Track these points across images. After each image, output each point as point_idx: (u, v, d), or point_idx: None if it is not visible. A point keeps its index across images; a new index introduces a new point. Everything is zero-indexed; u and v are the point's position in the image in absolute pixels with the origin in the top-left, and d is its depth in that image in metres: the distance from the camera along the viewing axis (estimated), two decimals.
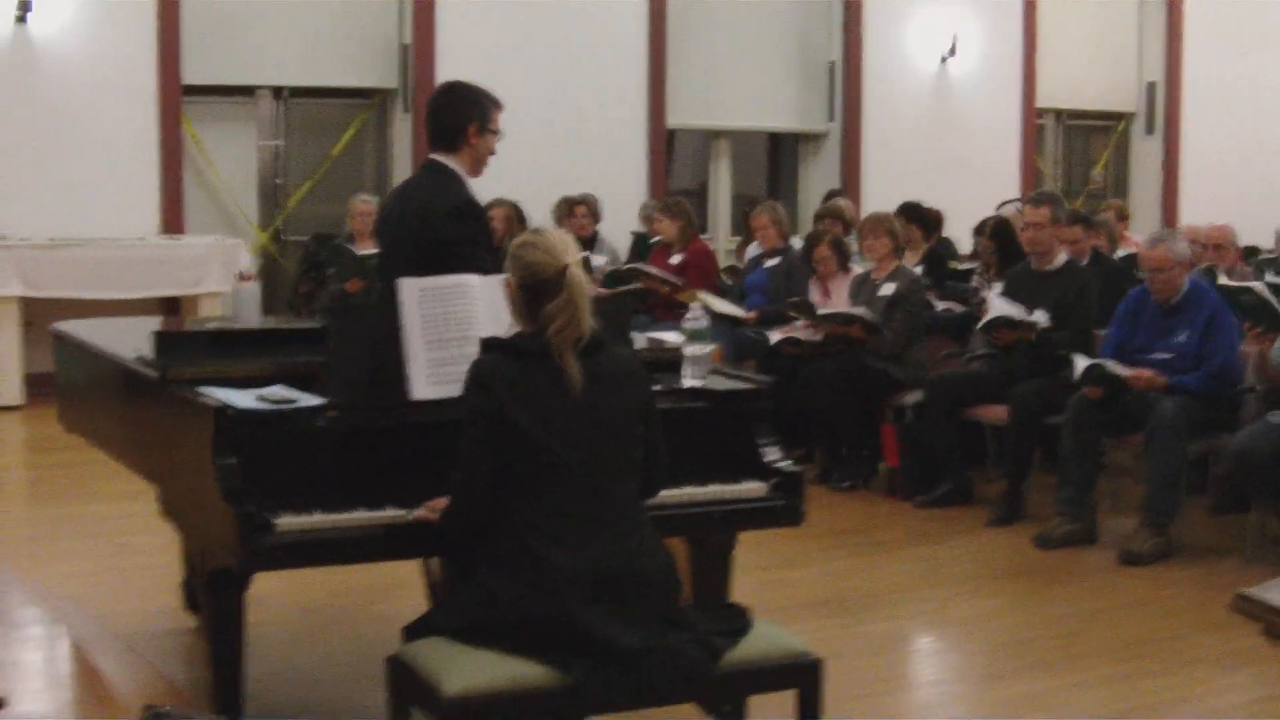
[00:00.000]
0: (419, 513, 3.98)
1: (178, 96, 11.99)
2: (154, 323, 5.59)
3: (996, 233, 9.51)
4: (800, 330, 8.83)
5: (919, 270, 9.65)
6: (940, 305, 9.68)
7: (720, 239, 14.47)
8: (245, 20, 12.35)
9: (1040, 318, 7.81)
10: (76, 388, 5.59)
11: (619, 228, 12.69)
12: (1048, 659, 5.65)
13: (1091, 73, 16.43)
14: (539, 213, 11.49)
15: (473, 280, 4.35)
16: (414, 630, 3.87)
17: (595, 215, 12.15)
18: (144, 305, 11.03)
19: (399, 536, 4.02)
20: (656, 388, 4.24)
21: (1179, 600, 6.45)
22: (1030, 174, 15.64)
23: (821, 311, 8.79)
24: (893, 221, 9.16)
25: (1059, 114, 16.58)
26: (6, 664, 5.38)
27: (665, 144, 13.99)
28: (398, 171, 12.86)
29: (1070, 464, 7.35)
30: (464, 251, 4.84)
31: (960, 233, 12.00)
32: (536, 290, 3.83)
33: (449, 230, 4.98)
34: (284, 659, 5.46)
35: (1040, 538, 7.30)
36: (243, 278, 11.61)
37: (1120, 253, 10.71)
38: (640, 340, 4.99)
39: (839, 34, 14.73)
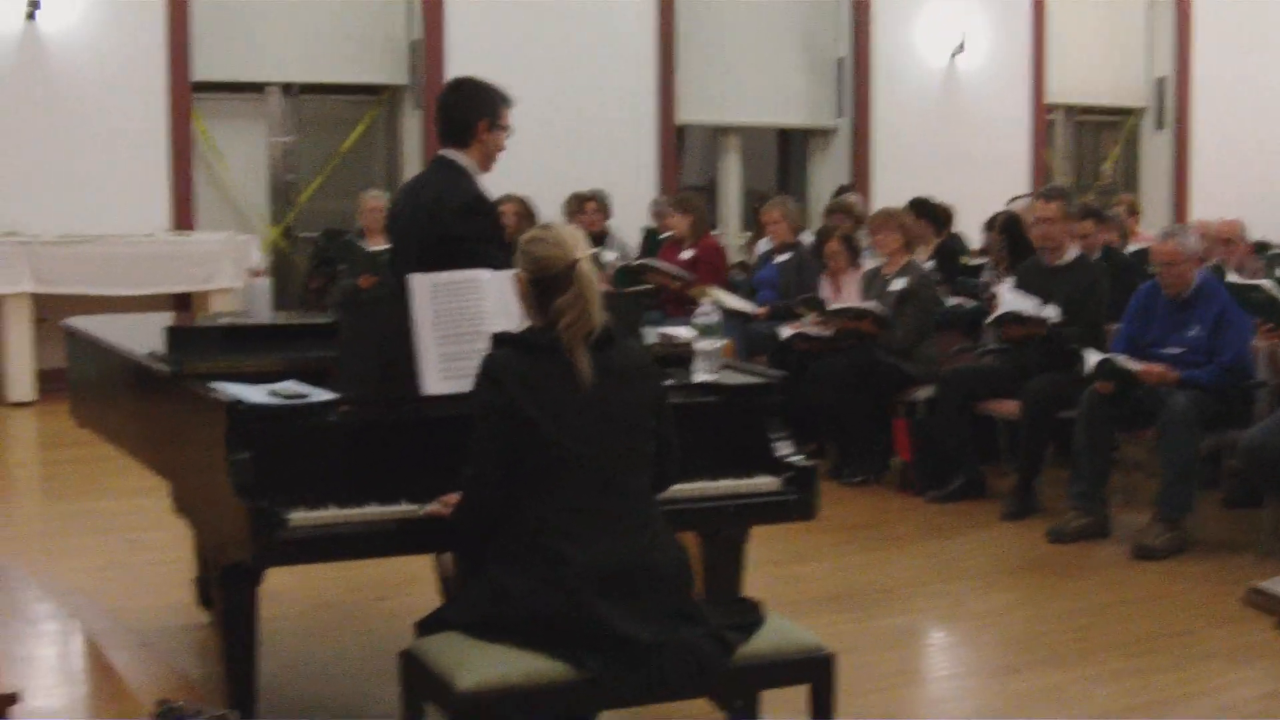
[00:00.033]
0: (431, 508, 3.98)
1: (188, 93, 12.01)
2: (165, 318, 5.60)
3: (1006, 228, 9.50)
4: (811, 325, 8.83)
5: (930, 265, 9.64)
6: (951, 300, 9.67)
7: (730, 234, 14.46)
8: (255, 17, 12.37)
9: (1051, 313, 7.79)
10: (88, 383, 5.60)
11: (629, 223, 12.68)
12: (1060, 653, 5.64)
13: (1101, 68, 16.40)
14: (549, 209, 11.49)
15: (484, 275, 4.35)
16: (427, 625, 3.87)
17: (605, 211, 12.15)
18: (155, 301, 11.03)
19: (411, 531, 4.02)
20: (668, 382, 4.24)
21: (1192, 595, 6.44)
22: (1040, 169, 15.62)
23: (832, 307, 8.80)
24: (903, 216, 9.15)
25: (1069, 109, 16.55)
26: (20, 659, 5.39)
27: (675, 140, 13.98)
28: (407, 168, 12.86)
29: (1083, 458, 7.35)
30: (475, 247, 4.84)
31: (970, 228, 11.98)
32: (546, 285, 3.83)
33: (459, 226, 4.98)
34: (297, 654, 5.46)
35: (1053, 532, 7.30)
36: (254, 273, 11.61)
37: (1131, 248, 10.69)
38: (651, 335, 4.98)
39: (848, 30, 14.72)
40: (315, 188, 12.99)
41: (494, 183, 5.27)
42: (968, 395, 8.09)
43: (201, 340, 4.70)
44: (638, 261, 10.91)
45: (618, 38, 13.51)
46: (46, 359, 10.70)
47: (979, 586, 6.70)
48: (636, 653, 3.65)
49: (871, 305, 8.61)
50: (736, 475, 4.42)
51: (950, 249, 10.84)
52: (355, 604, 6.08)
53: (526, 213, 10.74)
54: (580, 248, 3.86)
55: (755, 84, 14.50)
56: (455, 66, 11.99)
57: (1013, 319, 7.90)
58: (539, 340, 3.82)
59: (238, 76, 12.50)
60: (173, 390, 4.40)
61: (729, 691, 4.26)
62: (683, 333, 4.94)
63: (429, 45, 12.76)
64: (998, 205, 11.30)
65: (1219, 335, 7.23)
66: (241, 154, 12.67)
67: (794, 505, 4.44)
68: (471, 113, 5.14)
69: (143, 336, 4.88)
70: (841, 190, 13.32)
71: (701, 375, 4.58)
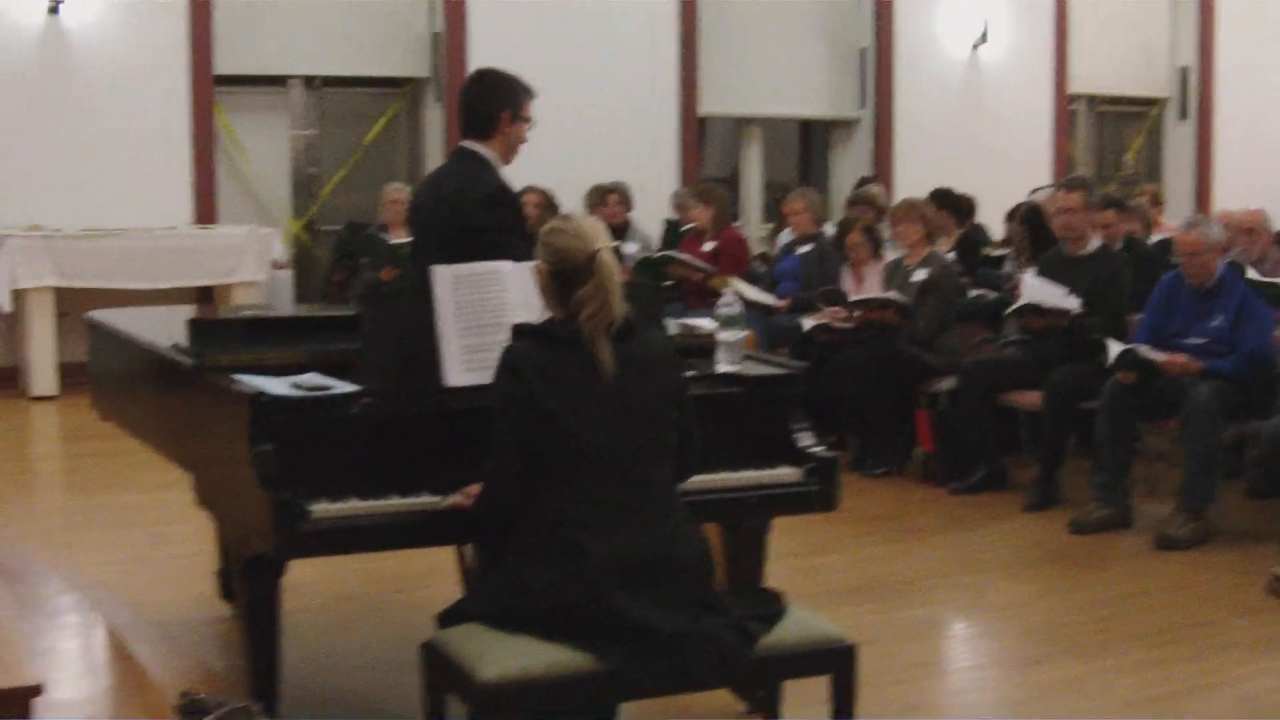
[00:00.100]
0: (453, 499, 3.98)
1: (210, 87, 12.03)
2: (188, 312, 5.60)
3: (1028, 219, 9.47)
4: (833, 318, 8.82)
5: (951, 257, 9.63)
6: (973, 291, 9.65)
7: (752, 226, 14.44)
8: (277, 10, 12.38)
9: (1072, 303, 7.77)
10: (111, 376, 5.61)
11: (650, 215, 12.66)
12: (1082, 644, 5.63)
13: (1123, 58, 16.33)
14: (571, 201, 11.47)
15: (506, 267, 4.35)
16: (448, 617, 3.87)
17: (627, 203, 12.13)
18: (178, 295, 11.04)
19: (433, 523, 4.03)
20: (690, 373, 4.24)
21: (1214, 585, 6.42)
22: (1062, 160, 15.57)
23: (854, 297, 8.79)
24: (924, 207, 9.14)
25: (1091, 99, 16.49)
26: (44, 651, 5.40)
27: (697, 132, 13.98)
28: (430, 160, 12.88)
29: (1105, 449, 7.33)
30: (497, 238, 4.84)
31: (992, 219, 11.95)
32: (567, 276, 3.83)
33: (481, 217, 4.99)
34: (319, 646, 5.47)
35: (1075, 523, 7.28)
36: (277, 266, 11.66)
37: (1155, 238, 10.66)
38: (673, 327, 4.98)
39: (870, 21, 14.69)
40: (337, 181, 13.00)
41: (516, 174, 5.26)
42: (990, 386, 8.07)
43: (224, 333, 4.72)
44: (660, 254, 10.91)
45: (639, 29, 13.50)
46: (69, 353, 10.74)
47: (1001, 578, 6.69)
48: (658, 643, 3.65)
49: (893, 294, 8.60)
50: (758, 466, 4.42)
51: (972, 240, 10.82)
52: (377, 596, 6.09)
53: (548, 204, 10.73)
54: (600, 239, 3.86)
55: (777, 75, 14.48)
56: (477, 59, 12.00)
57: (1033, 310, 7.88)
58: (559, 332, 3.82)
59: (260, 70, 12.52)
60: (195, 383, 4.42)
61: (750, 682, 4.27)
62: (705, 324, 4.94)
63: (451, 38, 12.76)
64: (1020, 196, 11.28)
65: (1242, 325, 7.20)
66: (264, 147, 12.69)
67: (815, 496, 4.44)
68: (494, 104, 5.14)
69: (165, 330, 4.89)
70: (863, 181, 13.29)
71: (724, 366, 4.58)
